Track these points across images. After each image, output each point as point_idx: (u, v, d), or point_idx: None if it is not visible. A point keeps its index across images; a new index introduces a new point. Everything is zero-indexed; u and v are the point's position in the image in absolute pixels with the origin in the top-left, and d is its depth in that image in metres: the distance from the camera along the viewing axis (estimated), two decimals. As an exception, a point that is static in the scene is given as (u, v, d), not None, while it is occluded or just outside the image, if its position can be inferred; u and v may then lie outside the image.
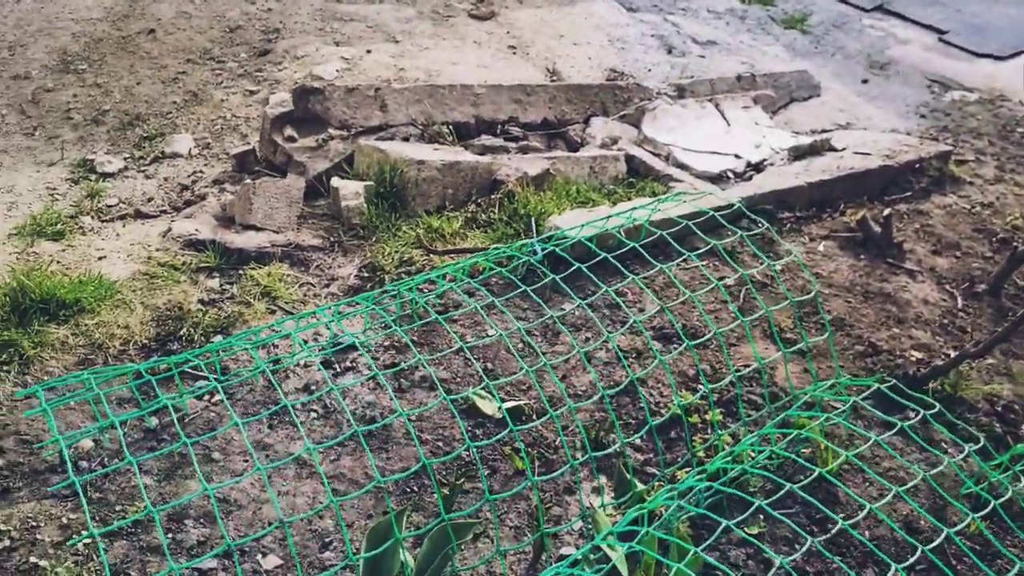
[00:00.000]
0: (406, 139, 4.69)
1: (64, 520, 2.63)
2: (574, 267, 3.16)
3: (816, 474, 3.09)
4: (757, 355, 3.49)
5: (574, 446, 3.18)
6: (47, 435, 2.87)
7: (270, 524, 2.72)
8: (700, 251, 3.97)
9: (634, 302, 3.97)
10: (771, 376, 3.60)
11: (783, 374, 3.61)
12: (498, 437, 2.84)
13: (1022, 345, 3.98)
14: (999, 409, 3.54)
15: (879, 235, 4.50)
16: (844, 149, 5.38)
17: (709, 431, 3.28)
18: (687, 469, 3.08)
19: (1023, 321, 3.36)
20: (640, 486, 2.90)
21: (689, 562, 2.26)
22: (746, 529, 2.91)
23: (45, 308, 3.34)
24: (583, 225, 3.47)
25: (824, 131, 5.73)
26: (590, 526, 2.78)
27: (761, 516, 2.93)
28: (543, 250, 3.31)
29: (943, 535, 2.35)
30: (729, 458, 3.02)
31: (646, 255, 3.40)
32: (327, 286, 3.74)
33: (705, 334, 3.77)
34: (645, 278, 4.08)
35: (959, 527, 2.95)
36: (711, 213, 3.69)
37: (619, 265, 3.23)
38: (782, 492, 2.48)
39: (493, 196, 4.30)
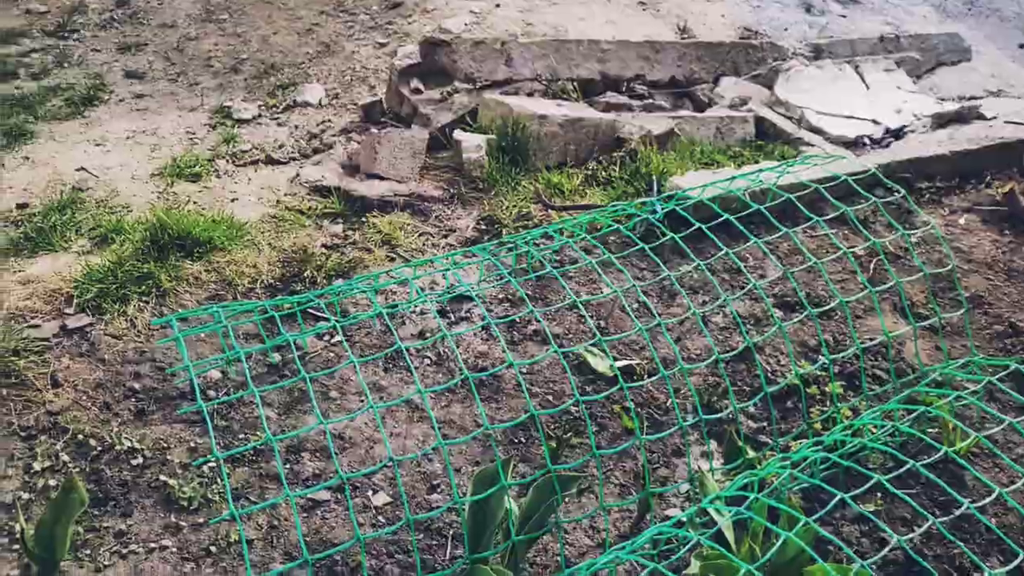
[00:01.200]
0: (530, 94, 4.67)
1: (192, 444, 2.78)
2: (694, 227, 3.08)
3: (941, 453, 2.95)
4: (884, 328, 3.33)
5: (685, 409, 3.13)
6: (179, 363, 3.03)
7: (381, 463, 2.80)
8: (829, 217, 3.82)
9: (755, 268, 3.85)
10: (898, 352, 3.44)
11: (911, 350, 3.43)
12: (607, 393, 2.83)
13: None
14: None
15: (1028, 210, 4.20)
16: (994, 118, 5.03)
17: (827, 404, 3.16)
18: (801, 440, 2.98)
19: None
20: (751, 453, 2.84)
21: (800, 532, 2.20)
22: (862, 505, 2.80)
23: (181, 245, 3.51)
24: (705, 186, 3.38)
25: (973, 98, 5.38)
26: (697, 489, 2.73)
27: (879, 494, 2.82)
28: (663, 209, 3.24)
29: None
30: (848, 431, 2.90)
31: (772, 219, 3.29)
32: (445, 236, 3.79)
33: (829, 304, 3.63)
34: (768, 243, 3.95)
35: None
36: (843, 178, 3.53)
37: (742, 228, 3.13)
38: (903, 470, 2.37)
39: (615, 154, 4.24)
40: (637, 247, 3.09)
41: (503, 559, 2.43)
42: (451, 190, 4.01)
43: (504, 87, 4.54)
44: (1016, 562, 2.06)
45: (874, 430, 3.02)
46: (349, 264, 3.54)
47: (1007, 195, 4.28)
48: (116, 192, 4.03)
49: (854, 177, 3.97)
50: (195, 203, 3.89)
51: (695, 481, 2.63)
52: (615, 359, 3.28)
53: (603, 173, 4.17)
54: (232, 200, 3.94)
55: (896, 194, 4.36)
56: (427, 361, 3.22)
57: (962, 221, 4.26)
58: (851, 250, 3.94)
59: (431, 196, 3.95)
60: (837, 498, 2.16)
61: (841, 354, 3.34)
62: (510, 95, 4.49)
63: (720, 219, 3.14)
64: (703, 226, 3.14)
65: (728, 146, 4.59)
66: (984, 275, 3.90)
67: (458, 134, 4.20)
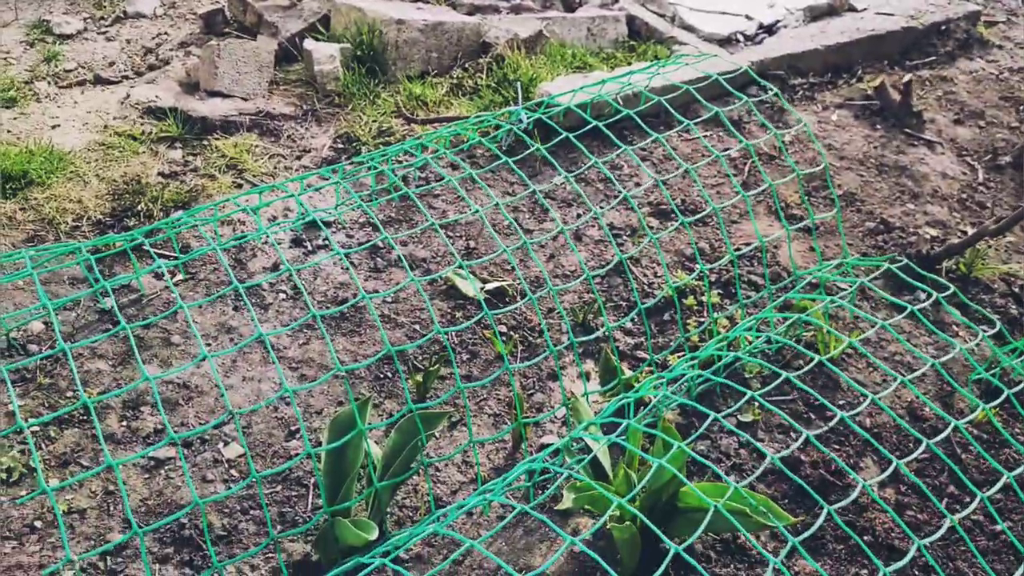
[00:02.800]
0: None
1: (10, 408, 2.47)
2: (562, 136, 2.88)
3: (816, 361, 2.92)
4: (758, 232, 3.24)
5: (560, 330, 2.99)
6: (-7, 317, 2.69)
7: (223, 415, 2.56)
8: (703, 119, 3.67)
9: (631, 176, 3.70)
10: (773, 255, 3.37)
11: (787, 253, 3.37)
12: (468, 324, 2.65)
13: (1045, 222, 3.73)
14: (1016, 290, 3.31)
15: (897, 103, 4.17)
16: (865, 9, 4.96)
17: (705, 315, 3.07)
18: (679, 354, 2.89)
19: None
20: (627, 372, 2.72)
21: (673, 457, 2.10)
22: (739, 417, 2.74)
23: (-8, 181, 3.11)
24: (575, 91, 3.17)
25: (844, -11, 5.28)
26: (571, 416, 2.61)
27: (756, 404, 2.76)
28: (529, 119, 3.02)
29: (950, 426, 2.17)
30: (724, 343, 2.82)
31: (642, 125, 3.12)
32: (299, 158, 3.48)
33: (704, 210, 3.52)
34: (642, 149, 3.80)
35: (967, 418, 2.78)
36: (715, 77, 3.38)
37: (611, 136, 2.95)
38: (776, 382, 2.29)
39: (481, 60, 3.97)
40: (501, 160, 2.87)
41: (368, 506, 2.27)
42: (304, 106, 3.68)
43: (359, -10, 4.17)
44: (891, 469, 2.01)
45: (750, 340, 2.96)
46: (190, 194, 3.21)
47: (878, 89, 4.23)
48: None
49: (726, 76, 3.84)
50: (9, 132, 3.44)
51: (568, 407, 2.50)
52: (485, 281, 3.10)
53: (469, 82, 3.90)
54: (53, 127, 3.50)
55: (769, 92, 4.26)
56: (282, 296, 2.96)
57: (835, 118, 4.20)
58: (725, 153, 3.84)
59: (282, 114, 3.61)
60: (711, 418, 2.06)
61: (717, 262, 3.25)
62: (365, -1, 4.13)
63: (590, 126, 2.96)
64: (570, 135, 2.95)
65: (600, 48, 4.37)
66: (857, 172, 3.86)
67: (309, 44, 3.84)
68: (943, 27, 4.85)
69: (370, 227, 3.26)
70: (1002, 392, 2.76)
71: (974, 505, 2.08)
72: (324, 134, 3.57)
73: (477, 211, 2.58)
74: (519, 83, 3.84)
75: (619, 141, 2.98)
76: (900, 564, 1.82)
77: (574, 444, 2.42)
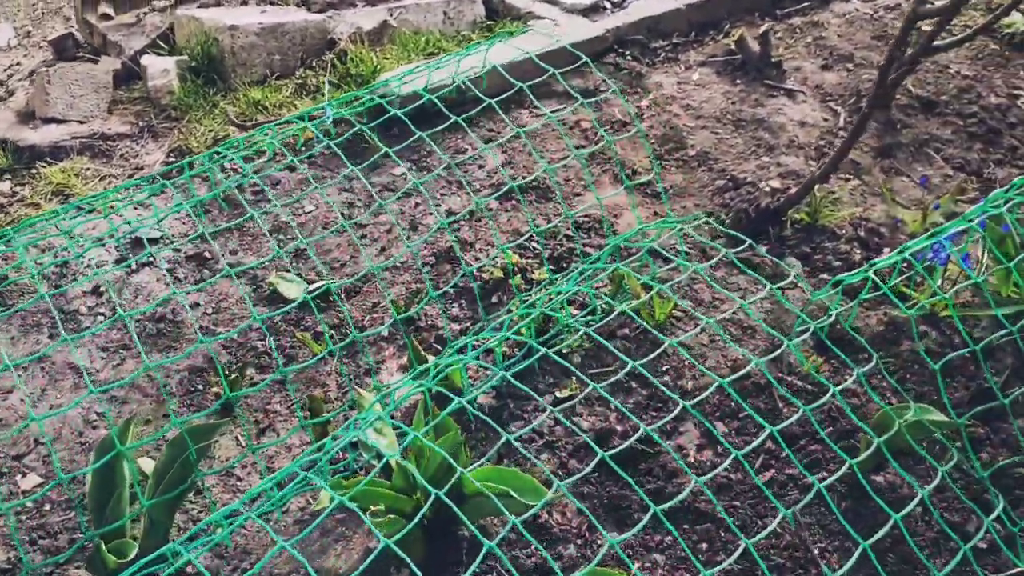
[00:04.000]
0: (244, 2, 4.27)
1: None
2: (396, 123, 2.84)
3: (640, 328, 2.87)
4: (599, 198, 3.18)
5: (382, 322, 2.95)
6: None
7: (36, 441, 2.54)
8: (555, 95, 3.61)
9: (476, 159, 3.65)
10: (616, 223, 3.31)
11: (631, 221, 3.32)
12: (271, 323, 2.61)
13: (906, 159, 3.65)
14: (862, 234, 3.24)
15: (758, 55, 4.09)
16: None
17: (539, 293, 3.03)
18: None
19: (861, 130, 3.01)
20: (430, 359, 2.68)
21: (446, 442, 2.07)
22: (556, 394, 2.70)
23: None
24: (402, 76, 3.12)
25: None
26: (382, 405, 2.58)
27: (573, 379, 2.71)
28: (332, 113, 2.97)
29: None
30: (541, 317, 2.78)
31: (494, 105, 3.08)
32: (131, 176, 3.45)
33: (552, 188, 3.46)
34: (490, 130, 3.75)
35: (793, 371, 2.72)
36: (565, 48, 3.31)
37: (453, 116, 2.91)
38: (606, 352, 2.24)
39: (325, 58, 3.92)
40: (305, 155, 2.83)
41: (144, 525, 2.24)
42: (140, 124, 3.64)
43: (201, 0, 4.13)
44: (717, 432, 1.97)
45: (576, 312, 2.91)
46: (12, 225, 3.19)
47: (737, 42, 4.15)
48: None
49: (577, 45, 3.79)
50: None
51: (354, 403, 2.47)
52: (311, 282, 3.06)
53: (313, 81, 3.86)
54: None
55: (628, 58, 4.20)
56: (101, 319, 2.94)
57: (696, 76, 4.13)
58: (577, 125, 3.79)
59: (117, 133, 3.58)
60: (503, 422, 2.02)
61: (556, 237, 3.19)
62: (210, 7, 4.09)
63: (437, 111, 2.90)
64: (400, 113, 2.90)
65: (458, 31, 4.31)
66: (712, 130, 3.79)
67: (146, 59, 3.81)
68: (816, -30, 4.76)
69: (199, 239, 3.22)
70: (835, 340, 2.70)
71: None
72: (159, 150, 3.54)
73: (282, 204, 2.54)
74: (363, 75, 3.80)
75: (465, 123, 2.94)
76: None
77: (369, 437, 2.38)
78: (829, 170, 3.08)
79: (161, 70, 3.69)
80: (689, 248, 3.21)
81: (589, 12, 4.46)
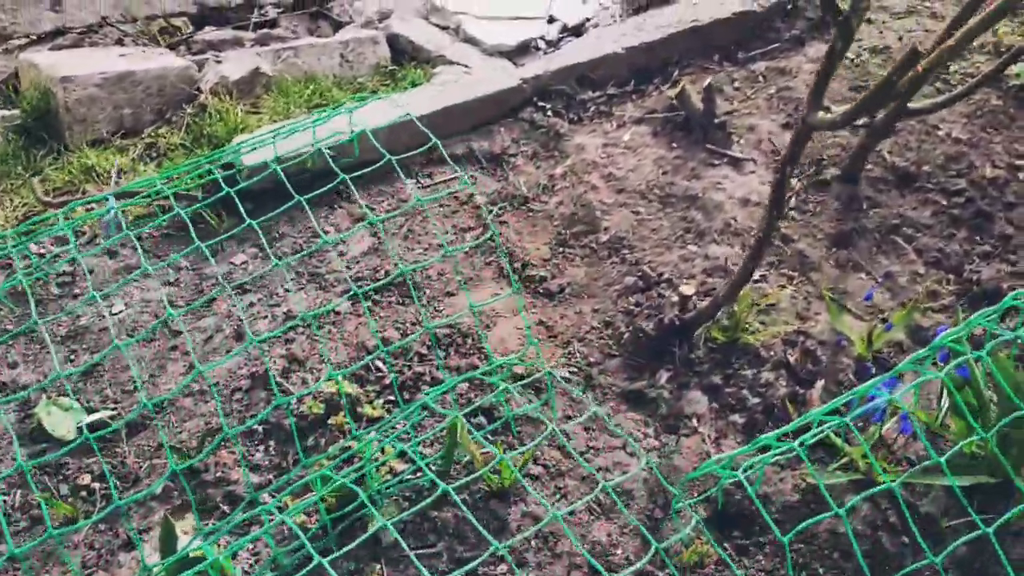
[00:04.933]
0: (118, 42, 3.72)
1: None
2: (234, 197, 2.24)
3: (482, 493, 2.23)
4: (472, 305, 2.56)
5: (160, 473, 2.34)
6: None
7: None
8: (456, 159, 2.99)
9: (342, 243, 3.03)
10: (490, 335, 2.67)
11: (506, 331, 2.68)
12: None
13: (869, 249, 2.96)
14: (792, 358, 2.56)
15: (701, 112, 3.41)
16: (704, -6, 4.21)
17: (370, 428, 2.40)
18: (305, 494, 2.22)
19: (766, 241, 2.34)
20: (195, 544, 2.06)
21: None
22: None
23: None
24: (254, 141, 2.51)
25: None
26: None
27: (380, 565, 2.09)
28: (115, 207, 2.37)
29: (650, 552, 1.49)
30: (357, 472, 2.16)
31: (349, 182, 2.47)
32: (-80, 262, 2.90)
33: (424, 284, 2.84)
34: (370, 207, 3.12)
35: (674, 539, 2.07)
36: (467, 100, 2.70)
37: (296, 196, 2.31)
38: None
39: (185, 112, 3.34)
40: (100, 246, 2.24)
41: None
42: (-50, 193, 3.10)
43: (56, 40, 3.57)
44: None
45: (400, 467, 2.29)
46: None
47: (678, 96, 3.48)
48: None
49: (483, 100, 3.18)
50: None
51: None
52: (91, 411, 2.47)
53: (164, 141, 3.28)
54: None
55: (548, 113, 3.55)
56: None
57: (627, 137, 3.46)
58: (472, 198, 3.16)
59: (-83, 206, 3.04)
60: None
61: (407, 355, 2.57)
62: (63, 48, 3.53)
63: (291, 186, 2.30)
64: (235, 196, 2.29)
65: (356, 76, 3.70)
66: (634, 208, 3.13)
67: (-30, 115, 3.27)
68: (790, 5, 4.06)
69: (-20, 346, 2.66)
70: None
71: None
72: (-41, 228, 2.99)
73: (105, 315, 1.97)
74: (218, 137, 3.21)
75: (337, 198, 2.33)
76: None
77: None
78: (732, 293, 2.41)
79: (-21, 129, 3.16)
80: (572, 372, 2.56)
81: (516, 54, 3.82)
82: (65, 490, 2.28)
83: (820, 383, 2.48)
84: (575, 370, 2.56)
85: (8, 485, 2.28)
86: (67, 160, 3.16)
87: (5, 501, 2.24)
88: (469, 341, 2.63)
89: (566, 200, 3.16)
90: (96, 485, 2.29)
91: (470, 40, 3.87)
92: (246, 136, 3.13)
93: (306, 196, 2.24)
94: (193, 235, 2.18)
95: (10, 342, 2.65)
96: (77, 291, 2.80)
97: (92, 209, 2.78)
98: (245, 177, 2.96)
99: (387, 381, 2.50)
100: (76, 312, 2.73)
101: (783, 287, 2.82)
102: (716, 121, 3.36)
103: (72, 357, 2.62)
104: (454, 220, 3.08)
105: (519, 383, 2.44)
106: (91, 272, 2.84)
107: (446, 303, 2.78)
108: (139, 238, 2.96)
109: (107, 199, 2.42)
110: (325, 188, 2.47)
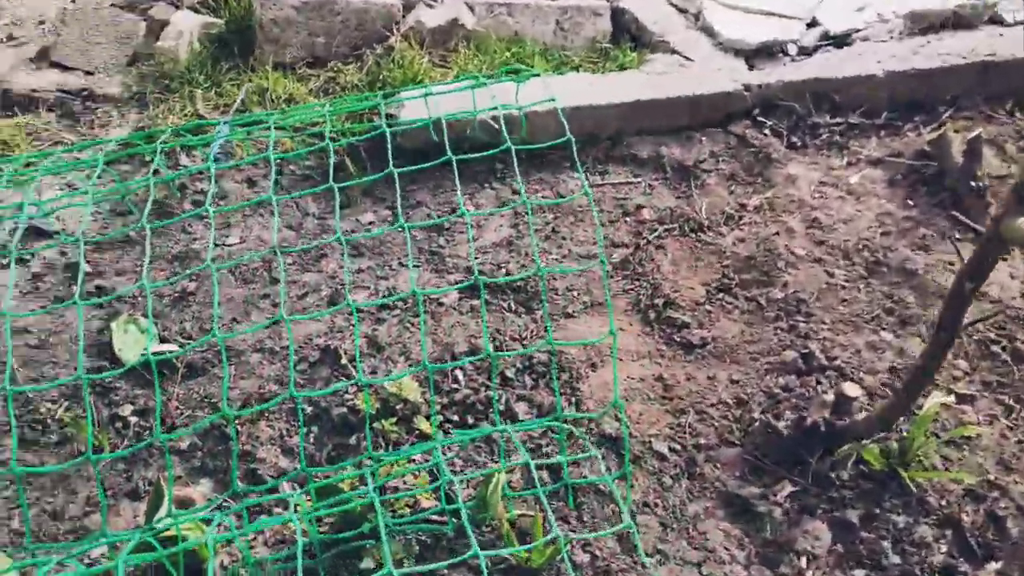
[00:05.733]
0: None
1: None
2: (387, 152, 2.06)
3: (505, 566, 1.83)
4: (584, 342, 2.15)
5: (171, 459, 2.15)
6: None
7: None
8: (635, 161, 2.58)
9: (477, 224, 2.70)
10: (589, 377, 2.23)
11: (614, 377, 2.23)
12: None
13: None
14: (975, 516, 1.91)
15: (958, 168, 2.70)
16: (1018, 24, 3.38)
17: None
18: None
19: (932, 365, 1.70)
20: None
21: None
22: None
23: None
24: (426, 94, 2.24)
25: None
26: None
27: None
28: (225, 136, 2.18)
29: None
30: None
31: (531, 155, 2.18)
32: (80, 150, 2.92)
33: (546, 295, 2.45)
34: (515, 192, 2.77)
35: None
36: (663, 98, 2.30)
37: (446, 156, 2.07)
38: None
39: (367, 52, 3.16)
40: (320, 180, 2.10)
41: None
42: (136, 88, 3.11)
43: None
44: None
45: (427, 503, 1.94)
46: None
47: (935, 143, 2.78)
48: None
49: (690, 100, 2.72)
50: None
51: None
52: (164, 340, 2.34)
53: (344, 78, 3.10)
54: None
55: (766, 131, 2.98)
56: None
57: (854, 179, 2.82)
58: (640, 210, 2.72)
59: (104, 95, 3.08)
60: None
61: (488, 373, 2.22)
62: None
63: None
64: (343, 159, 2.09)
65: (564, 47, 3.33)
66: (829, 267, 2.53)
67: (177, 15, 3.26)
68: None
69: (96, 246, 2.62)
70: None
71: None
72: (128, 125, 2.98)
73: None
74: (387, 85, 2.98)
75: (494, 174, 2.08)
76: None
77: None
78: (895, 412, 1.80)
79: (177, 31, 3.13)
80: (674, 449, 2.08)
81: (754, 55, 3.26)
82: (105, 415, 2.16)
83: (995, 566, 1.82)
84: (678, 448, 2.08)
85: (59, 394, 2.21)
86: (247, 79, 3.08)
87: (49, 408, 2.17)
88: (566, 376, 2.22)
89: (748, 238, 2.61)
90: (133, 419, 2.16)
91: (706, 29, 3.35)
92: (413, 92, 2.87)
93: (459, 158, 1.92)
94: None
95: (126, 248, 2.60)
96: (204, 216, 2.70)
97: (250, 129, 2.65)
98: (400, 133, 2.71)
99: (459, 396, 2.16)
100: (189, 238, 2.63)
101: (992, 419, 2.13)
102: (974, 184, 2.64)
103: (171, 278, 2.52)
104: (610, 230, 2.65)
105: (586, 439, 2.00)
106: (223, 198, 2.73)
107: (560, 324, 2.37)
108: (279, 173, 2.81)
109: (220, 124, 2.25)
110: (480, 154, 2.11)
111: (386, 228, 2.61)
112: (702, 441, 2.09)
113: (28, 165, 2.58)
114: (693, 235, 2.62)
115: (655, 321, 2.38)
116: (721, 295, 2.45)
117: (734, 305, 2.43)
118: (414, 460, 2.00)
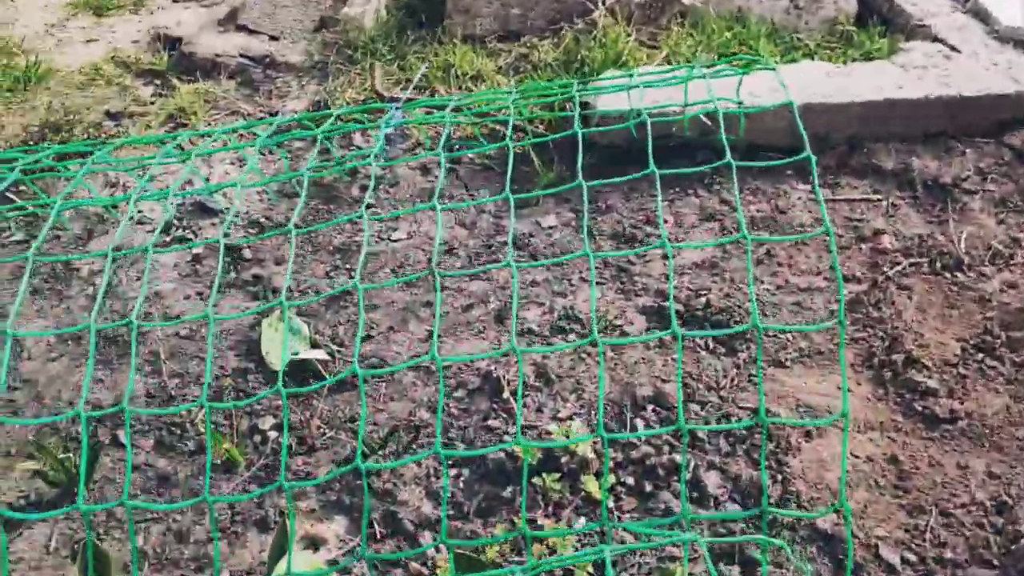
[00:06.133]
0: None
1: None
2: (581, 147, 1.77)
3: None
4: (764, 416, 1.74)
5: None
6: None
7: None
8: (879, 174, 2.11)
9: (673, 237, 2.30)
10: (800, 450, 1.80)
11: (824, 456, 1.79)
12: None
13: None
14: None
15: None
16: None
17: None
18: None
19: None
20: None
21: None
22: None
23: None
24: (630, 82, 1.91)
25: None
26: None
27: None
28: (397, 123, 1.90)
29: None
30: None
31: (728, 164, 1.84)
32: (262, 119, 2.76)
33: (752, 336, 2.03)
34: (722, 202, 2.33)
35: None
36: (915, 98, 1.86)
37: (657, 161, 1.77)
38: None
39: (566, 27, 2.80)
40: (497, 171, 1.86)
41: None
42: (317, 57, 2.90)
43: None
44: None
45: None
46: (104, 144, 2.70)
47: None
48: None
49: (948, 101, 2.22)
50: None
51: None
52: (315, 345, 2.12)
53: (539, 56, 2.76)
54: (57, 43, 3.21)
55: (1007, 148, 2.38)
56: (91, 288, 2.34)
57: None
58: (879, 236, 2.24)
59: (286, 63, 2.90)
60: None
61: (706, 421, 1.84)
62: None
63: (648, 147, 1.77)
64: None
65: (797, 29, 2.83)
66: None
67: (367, -20, 3.03)
68: None
69: (262, 224, 2.44)
70: None
71: None
72: (306, 97, 2.78)
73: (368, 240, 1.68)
74: (588, 65, 2.62)
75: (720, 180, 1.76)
76: None
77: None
78: None
79: (365, -3, 2.91)
80: (907, 560, 1.63)
81: (1038, 48, 2.63)
82: (244, 426, 1.97)
83: None
84: (913, 559, 1.62)
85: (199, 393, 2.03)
86: (433, 51, 2.80)
87: (191, 411, 2.00)
88: (772, 445, 1.80)
89: (1021, 284, 2.07)
90: (272, 434, 1.95)
91: (979, 13, 2.75)
92: (616, 73, 2.49)
93: (663, 172, 1.55)
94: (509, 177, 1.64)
95: (288, 236, 2.40)
96: (372, 201, 2.46)
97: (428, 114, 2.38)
98: (595, 124, 2.36)
99: (636, 454, 1.80)
100: (350, 226, 2.39)
101: None
102: None
103: (332, 273, 2.30)
104: (839, 259, 2.18)
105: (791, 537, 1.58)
106: (394, 185, 2.48)
107: (768, 374, 1.95)
108: (456, 162, 2.52)
109: (391, 107, 1.97)
110: (690, 170, 1.70)
111: (568, 257, 2.27)
112: (947, 555, 1.63)
113: (200, 139, 2.44)
114: (947, 274, 2.11)
115: (891, 383, 1.91)
116: (981, 356, 1.94)
117: (998, 371, 1.92)
118: (577, 543, 1.66)
